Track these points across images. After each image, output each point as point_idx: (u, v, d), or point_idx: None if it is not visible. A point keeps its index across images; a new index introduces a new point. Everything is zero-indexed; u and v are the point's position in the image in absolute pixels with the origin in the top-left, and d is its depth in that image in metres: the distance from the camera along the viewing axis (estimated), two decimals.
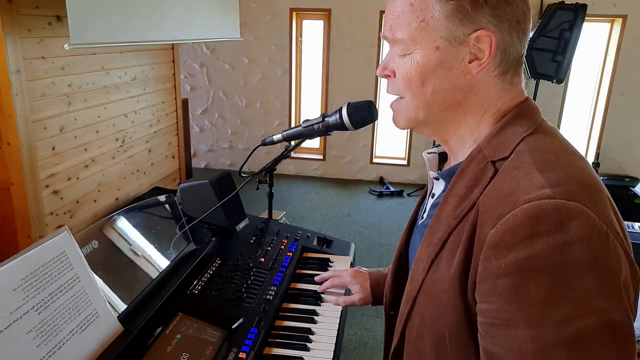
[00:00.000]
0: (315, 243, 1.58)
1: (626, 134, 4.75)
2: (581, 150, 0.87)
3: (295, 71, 5.24)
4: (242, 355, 1.00)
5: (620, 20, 4.50)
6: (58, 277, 0.88)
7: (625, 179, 4.58)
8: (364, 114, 1.13)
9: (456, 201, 0.69)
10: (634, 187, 4.38)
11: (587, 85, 4.87)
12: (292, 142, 1.40)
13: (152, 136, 3.72)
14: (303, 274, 1.42)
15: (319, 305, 1.27)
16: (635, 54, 4.53)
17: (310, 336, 1.14)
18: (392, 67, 0.75)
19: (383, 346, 0.98)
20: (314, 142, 5.41)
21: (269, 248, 1.45)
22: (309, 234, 1.60)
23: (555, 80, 4.12)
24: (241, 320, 1.11)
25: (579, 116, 4.96)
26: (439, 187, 0.82)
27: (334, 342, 1.14)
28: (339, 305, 1.25)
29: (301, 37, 5.18)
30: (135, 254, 1.13)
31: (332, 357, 1.09)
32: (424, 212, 0.86)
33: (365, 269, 1.30)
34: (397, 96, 0.77)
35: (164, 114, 3.87)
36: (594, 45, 4.70)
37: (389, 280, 0.97)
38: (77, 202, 2.94)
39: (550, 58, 4.06)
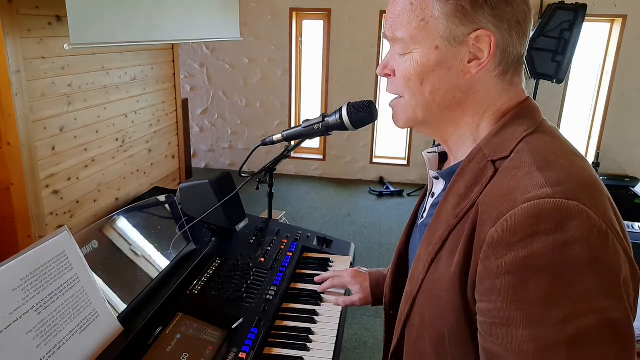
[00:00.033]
0: (315, 243, 1.58)
1: (626, 134, 4.75)
2: (581, 150, 0.87)
3: (295, 71, 5.24)
4: (242, 355, 1.00)
5: (620, 20, 4.50)
6: (58, 277, 0.88)
7: (625, 179, 4.58)
8: (364, 114, 1.13)
9: (456, 200, 0.69)
10: (634, 187, 4.38)
11: (587, 85, 4.87)
12: (292, 142, 1.40)
13: (152, 136, 3.72)
14: (303, 274, 1.42)
15: (319, 305, 1.27)
16: (635, 54, 4.53)
17: (310, 336, 1.14)
18: (393, 66, 0.75)
19: (383, 346, 0.98)
20: (314, 142, 5.41)
21: (269, 248, 1.45)
22: (309, 234, 1.60)
23: (555, 80, 4.12)
24: (241, 320, 1.11)
25: (579, 116, 4.96)
26: (439, 186, 0.82)
27: (334, 342, 1.14)
28: (339, 305, 1.25)
29: (301, 37, 5.18)
30: (135, 254, 1.13)
31: (332, 357, 1.09)
32: (424, 211, 0.86)
33: (365, 269, 1.30)
34: (396, 95, 0.77)
35: (164, 114, 3.87)
36: (594, 45, 4.70)
37: (389, 280, 0.96)
38: (77, 202, 2.94)
39: (550, 58, 4.07)
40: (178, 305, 1.11)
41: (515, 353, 0.56)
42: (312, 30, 5.15)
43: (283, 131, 1.28)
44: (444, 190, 0.77)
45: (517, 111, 0.71)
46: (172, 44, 3.84)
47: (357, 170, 5.35)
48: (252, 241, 1.48)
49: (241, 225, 1.51)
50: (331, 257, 1.53)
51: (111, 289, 1.02)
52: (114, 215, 1.13)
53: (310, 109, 5.39)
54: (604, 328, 0.54)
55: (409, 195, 4.89)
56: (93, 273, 0.96)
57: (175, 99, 4.01)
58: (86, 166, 2.99)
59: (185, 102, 4.29)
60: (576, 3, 4.05)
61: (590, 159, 4.79)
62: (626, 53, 4.53)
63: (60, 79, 2.70)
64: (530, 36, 0.72)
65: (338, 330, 1.18)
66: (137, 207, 1.21)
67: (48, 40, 2.56)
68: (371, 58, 4.93)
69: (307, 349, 1.10)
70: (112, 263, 1.06)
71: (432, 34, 0.69)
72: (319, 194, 4.92)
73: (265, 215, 1.73)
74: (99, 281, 0.99)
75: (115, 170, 3.30)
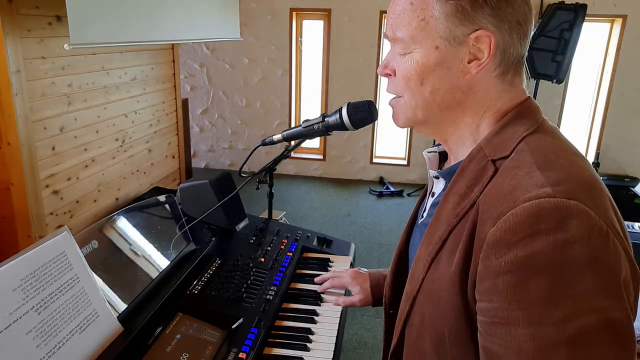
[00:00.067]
0: (315, 243, 1.58)
1: (626, 134, 4.75)
2: (581, 150, 0.86)
3: (295, 71, 5.24)
4: (242, 355, 1.00)
5: (620, 20, 4.50)
6: (58, 277, 0.88)
7: (625, 179, 4.58)
8: (364, 114, 1.13)
9: (456, 200, 0.69)
10: (634, 187, 4.38)
11: (587, 85, 4.87)
12: (292, 142, 1.40)
13: (152, 136, 3.72)
14: (303, 274, 1.42)
15: (319, 305, 1.27)
16: (635, 54, 4.53)
17: (310, 336, 1.14)
18: (393, 66, 0.75)
19: (382, 345, 0.98)
20: (314, 142, 5.41)
21: (269, 248, 1.45)
22: (309, 234, 1.60)
23: (555, 80, 4.12)
24: (241, 320, 1.11)
25: (579, 116, 4.96)
26: (439, 186, 0.82)
27: (334, 342, 1.14)
28: (339, 305, 1.25)
29: (301, 37, 5.18)
30: (135, 254, 1.13)
31: (332, 357, 1.09)
32: (424, 211, 0.86)
33: (365, 269, 1.29)
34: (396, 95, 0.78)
35: (164, 114, 3.87)
36: (594, 45, 4.70)
37: (389, 280, 0.96)
38: (77, 202, 2.94)
39: (550, 58, 4.06)
40: (178, 305, 1.11)
41: (515, 352, 0.56)
42: (312, 30, 5.15)
43: (283, 131, 1.28)
44: (444, 189, 0.77)
45: (517, 111, 0.71)
46: (172, 44, 3.84)
47: (357, 170, 5.35)
48: (252, 241, 1.48)
49: (241, 225, 1.51)
50: (331, 257, 1.53)
51: (111, 289, 1.02)
52: (114, 215, 1.13)
53: (310, 109, 5.39)
54: (604, 328, 0.54)
55: (409, 195, 4.89)
56: (93, 273, 0.96)
57: (175, 99, 4.01)
58: (86, 166, 2.99)
59: (185, 102, 4.29)
60: (576, 3, 4.05)
61: (590, 159, 4.79)
62: (626, 53, 4.53)
63: (60, 79, 2.70)
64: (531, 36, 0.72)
65: (338, 330, 1.18)
66: (137, 207, 1.21)
67: (48, 40, 2.56)
68: (371, 58, 4.93)
69: (307, 349, 1.10)
70: (112, 263, 1.06)
71: (432, 34, 0.69)
72: (319, 194, 4.92)
73: (265, 215, 1.73)
74: (99, 281, 0.99)
75: (115, 170, 3.30)
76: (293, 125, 5.21)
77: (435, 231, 0.72)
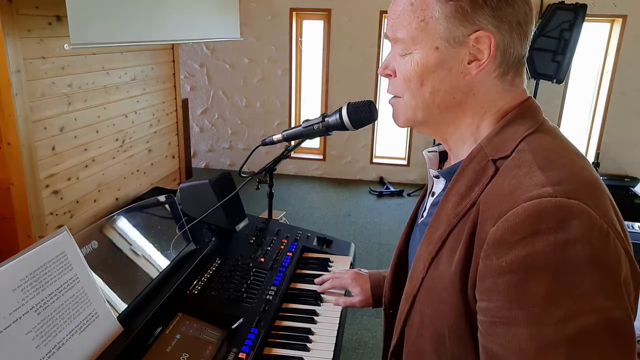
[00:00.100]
0: (315, 243, 1.58)
1: (626, 134, 4.75)
2: (581, 150, 0.86)
3: (295, 71, 5.24)
4: (242, 355, 1.00)
5: (620, 20, 4.50)
6: (58, 277, 0.88)
7: (625, 179, 4.58)
8: (364, 114, 1.13)
9: (457, 199, 0.69)
10: (634, 187, 4.38)
11: (587, 85, 4.87)
12: (292, 142, 1.40)
13: (152, 136, 3.72)
14: (303, 274, 1.42)
15: (319, 305, 1.27)
16: (635, 54, 4.53)
17: (310, 336, 1.14)
18: (393, 66, 0.75)
19: (382, 345, 0.98)
20: (314, 142, 5.41)
21: (269, 248, 1.45)
22: (309, 234, 1.60)
23: (555, 80, 4.12)
24: (241, 320, 1.11)
25: (579, 116, 4.96)
26: (439, 185, 0.82)
27: (334, 342, 1.14)
28: (339, 305, 1.25)
29: (301, 37, 5.18)
30: (135, 254, 1.13)
31: (332, 357, 1.09)
32: (424, 210, 0.86)
33: (365, 270, 1.29)
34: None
35: (164, 114, 3.87)
36: (594, 45, 4.70)
37: (389, 279, 0.96)
38: (77, 202, 2.94)
39: (550, 58, 4.06)
40: (178, 305, 1.11)
41: (515, 352, 0.56)
42: (312, 30, 5.15)
43: (283, 131, 1.28)
44: (444, 189, 0.77)
45: (518, 111, 0.71)
46: (172, 44, 3.84)
47: (357, 170, 5.35)
48: (252, 241, 1.48)
49: (241, 225, 1.51)
50: (331, 257, 1.53)
51: (111, 289, 1.02)
52: (114, 215, 1.13)
53: (310, 109, 5.39)
54: (604, 327, 0.54)
55: (409, 195, 4.89)
56: (93, 273, 0.96)
57: (175, 99, 4.01)
58: (86, 166, 2.99)
59: (185, 102, 4.29)
60: (576, 3, 4.05)
61: (590, 159, 4.79)
62: (626, 53, 4.53)
63: (60, 79, 2.70)
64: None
65: (338, 330, 1.18)
66: (137, 207, 1.21)
67: (48, 40, 2.56)
68: (371, 58, 4.93)
69: (307, 349, 1.10)
70: (112, 263, 1.06)
71: (432, 35, 0.69)
72: (319, 194, 4.92)
73: (265, 215, 1.73)
74: (98, 281, 0.98)
75: (115, 170, 3.30)
76: (293, 125, 5.21)
77: (435, 231, 0.72)
